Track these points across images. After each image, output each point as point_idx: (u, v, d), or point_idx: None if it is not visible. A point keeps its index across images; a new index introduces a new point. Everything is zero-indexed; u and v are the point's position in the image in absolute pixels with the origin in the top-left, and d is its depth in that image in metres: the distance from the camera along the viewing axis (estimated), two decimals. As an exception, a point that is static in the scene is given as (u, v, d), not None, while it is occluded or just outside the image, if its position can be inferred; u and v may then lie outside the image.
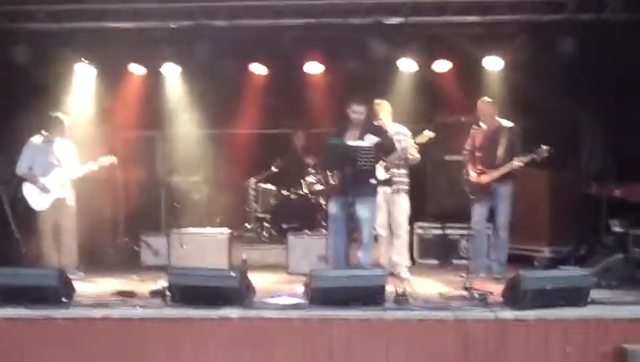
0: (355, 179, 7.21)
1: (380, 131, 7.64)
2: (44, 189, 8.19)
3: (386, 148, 7.54)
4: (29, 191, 8.22)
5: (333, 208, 7.53)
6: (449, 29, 8.99)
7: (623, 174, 8.74)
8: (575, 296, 6.33)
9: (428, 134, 7.98)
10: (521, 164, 7.92)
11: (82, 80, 9.69)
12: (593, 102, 9.16)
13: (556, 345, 6.10)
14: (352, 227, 7.54)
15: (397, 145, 7.93)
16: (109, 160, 8.43)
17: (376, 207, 7.71)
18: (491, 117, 8.25)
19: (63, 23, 8.93)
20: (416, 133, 8.14)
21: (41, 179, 8.21)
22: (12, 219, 8.39)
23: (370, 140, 7.34)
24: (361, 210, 7.41)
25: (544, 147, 7.73)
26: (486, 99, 8.33)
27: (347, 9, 8.84)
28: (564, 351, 6.10)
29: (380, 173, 7.88)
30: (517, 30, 8.93)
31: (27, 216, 8.48)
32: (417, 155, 8.09)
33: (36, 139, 8.38)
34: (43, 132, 8.36)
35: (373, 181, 7.54)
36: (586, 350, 6.11)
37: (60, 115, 8.40)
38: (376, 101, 8.25)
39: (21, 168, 8.26)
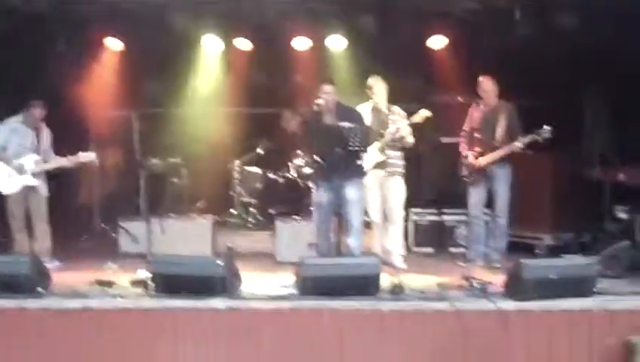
0: (344, 161, 7.05)
1: (354, 115, 7.38)
2: (20, 169, 7.93)
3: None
4: (-2, 173, 8.02)
5: (318, 193, 7.36)
6: (444, 3, 8.76)
7: (626, 157, 8.62)
8: (580, 286, 6.21)
9: (424, 113, 7.79)
10: (522, 146, 7.76)
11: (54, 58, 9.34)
12: (596, 82, 9.06)
13: (560, 337, 6.00)
14: (339, 213, 7.35)
15: (391, 126, 7.77)
16: (88, 157, 8.13)
17: (364, 189, 7.56)
18: (492, 95, 8.09)
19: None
20: (410, 113, 7.92)
21: (14, 161, 7.95)
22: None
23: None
24: (350, 192, 7.25)
25: (546, 127, 7.57)
26: (487, 76, 8.15)
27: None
28: (568, 344, 5.99)
29: (375, 155, 7.75)
30: (515, 4, 8.66)
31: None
32: (412, 139, 7.89)
33: (13, 120, 8.13)
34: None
35: (359, 162, 7.39)
36: (590, 343, 6.00)
37: (36, 100, 8.08)
38: (370, 79, 8.00)
39: None
